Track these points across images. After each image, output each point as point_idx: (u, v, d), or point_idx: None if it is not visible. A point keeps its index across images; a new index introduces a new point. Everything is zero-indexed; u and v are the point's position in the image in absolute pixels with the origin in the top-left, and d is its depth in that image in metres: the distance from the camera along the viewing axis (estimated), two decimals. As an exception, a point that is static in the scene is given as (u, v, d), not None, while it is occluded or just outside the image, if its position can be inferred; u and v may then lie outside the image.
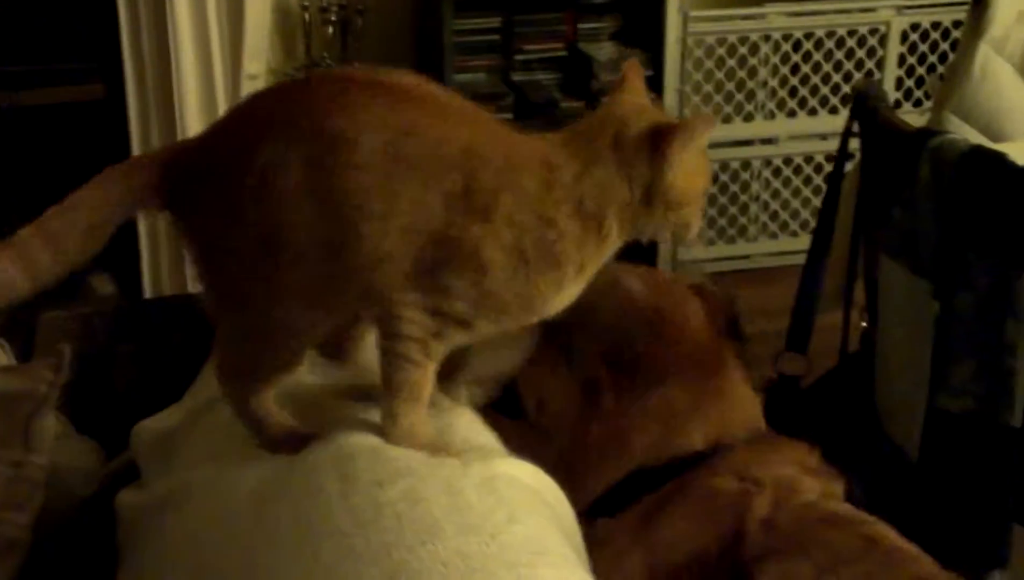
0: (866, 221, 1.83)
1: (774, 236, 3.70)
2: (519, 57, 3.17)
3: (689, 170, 0.98)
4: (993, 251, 1.55)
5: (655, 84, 3.14)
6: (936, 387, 1.63)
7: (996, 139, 2.54)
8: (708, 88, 3.61)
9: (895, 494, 1.71)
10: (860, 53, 3.63)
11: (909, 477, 1.69)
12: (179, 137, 2.71)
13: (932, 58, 3.65)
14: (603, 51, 3.21)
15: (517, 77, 3.16)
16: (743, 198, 3.71)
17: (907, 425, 1.67)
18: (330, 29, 3.09)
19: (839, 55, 3.63)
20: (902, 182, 1.69)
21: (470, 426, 1.15)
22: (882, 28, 3.59)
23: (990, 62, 2.60)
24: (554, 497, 1.11)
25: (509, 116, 3.08)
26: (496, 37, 3.14)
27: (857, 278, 1.88)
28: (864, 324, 1.88)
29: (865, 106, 1.82)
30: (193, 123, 2.72)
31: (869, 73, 3.64)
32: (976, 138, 2.57)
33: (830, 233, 1.87)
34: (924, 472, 1.66)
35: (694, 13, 3.53)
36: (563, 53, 3.20)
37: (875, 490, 1.75)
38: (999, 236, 1.55)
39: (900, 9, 3.56)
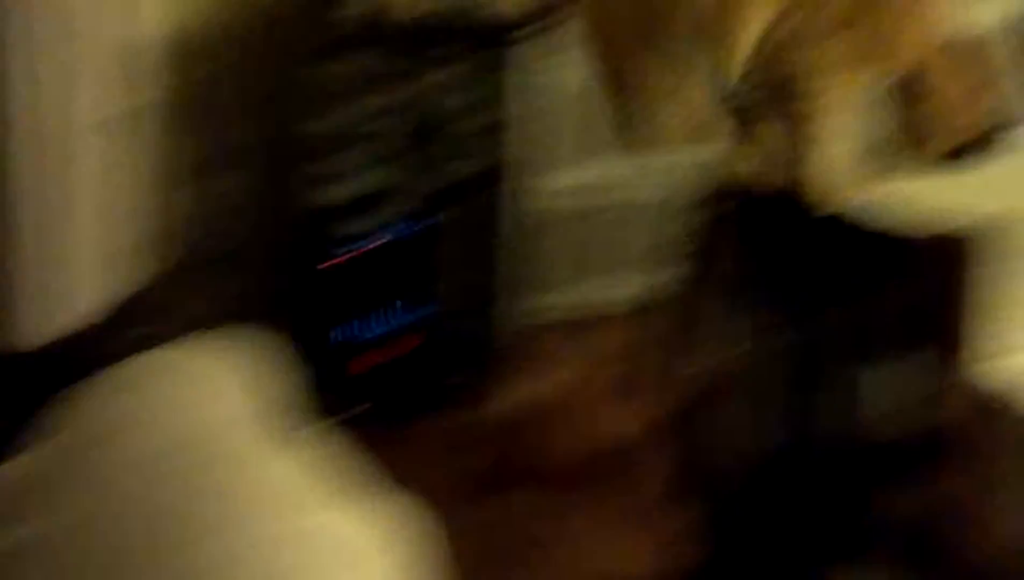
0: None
1: (627, 277, 3.69)
2: (380, 102, 3.17)
3: None
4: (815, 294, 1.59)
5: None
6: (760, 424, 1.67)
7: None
8: (576, 131, 3.65)
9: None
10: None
11: (739, 514, 1.73)
12: None
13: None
14: (461, 96, 3.23)
15: (379, 122, 3.16)
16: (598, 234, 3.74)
17: (735, 461, 1.71)
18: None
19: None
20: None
21: (306, 470, 1.14)
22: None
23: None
24: (378, 548, 1.11)
25: (373, 159, 3.08)
26: (358, 81, 3.13)
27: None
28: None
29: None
30: None
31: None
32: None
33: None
34: (751, 508, 1.70)
35: (552, 60, 3.57)
36: (420, 99, 3.22)
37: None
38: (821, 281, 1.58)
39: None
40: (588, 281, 3.76)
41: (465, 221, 3.20)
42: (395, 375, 3.10)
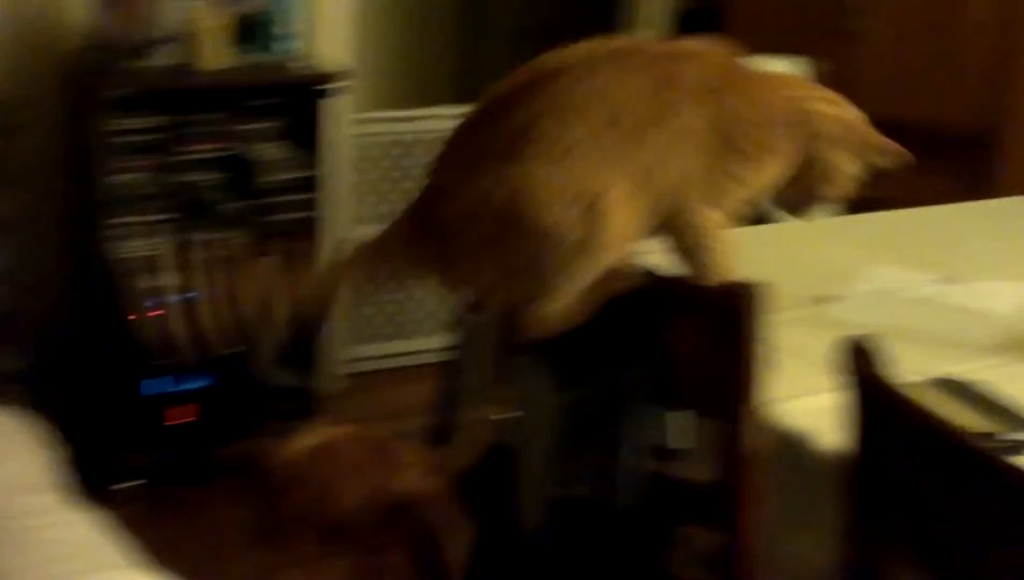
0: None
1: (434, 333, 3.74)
2: (181, 158, 3.14)
3: None
4: (605, 349, 1.65)
5: (318, 184, 3.18)
6: (560, 475, 1.71)
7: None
8: (385, 186, 3.69)
9: None
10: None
11: (544, 563, 1.76)
12: None
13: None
14: (267, 151, 3.23)
15: (179, 178, 3.13)
16: (405, 294, 3.79)
17: (537, 513, 1.74)
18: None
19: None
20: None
21: (96, 531, 1.13)
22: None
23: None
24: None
25: (168, 216, 3.04)
26: (157, 137, 3.10)
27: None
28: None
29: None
30: None
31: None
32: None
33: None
34: (555, 557, 1.74)
35: (362, 116, 3.62)
36: (226, 153, 3.19)
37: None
38: (611, 335, 1.64)
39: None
40: (405, 333, 3.79)
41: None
42: (209, 427, 3.06)
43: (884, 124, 3.64)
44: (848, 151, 1.59)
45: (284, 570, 1.16)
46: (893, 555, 1.28)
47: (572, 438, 1.71)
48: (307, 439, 1.27)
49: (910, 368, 1.67)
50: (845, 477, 1.32)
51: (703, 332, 1.49)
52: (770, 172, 1.55)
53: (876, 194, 3.49)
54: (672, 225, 1.54)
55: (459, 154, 1.57)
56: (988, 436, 1.47)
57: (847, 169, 1.60)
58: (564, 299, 1.53)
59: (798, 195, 1.62)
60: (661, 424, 1.64)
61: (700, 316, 1.48)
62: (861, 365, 1.25)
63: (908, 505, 1.23)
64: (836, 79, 3.72)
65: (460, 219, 1.52)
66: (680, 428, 1.71)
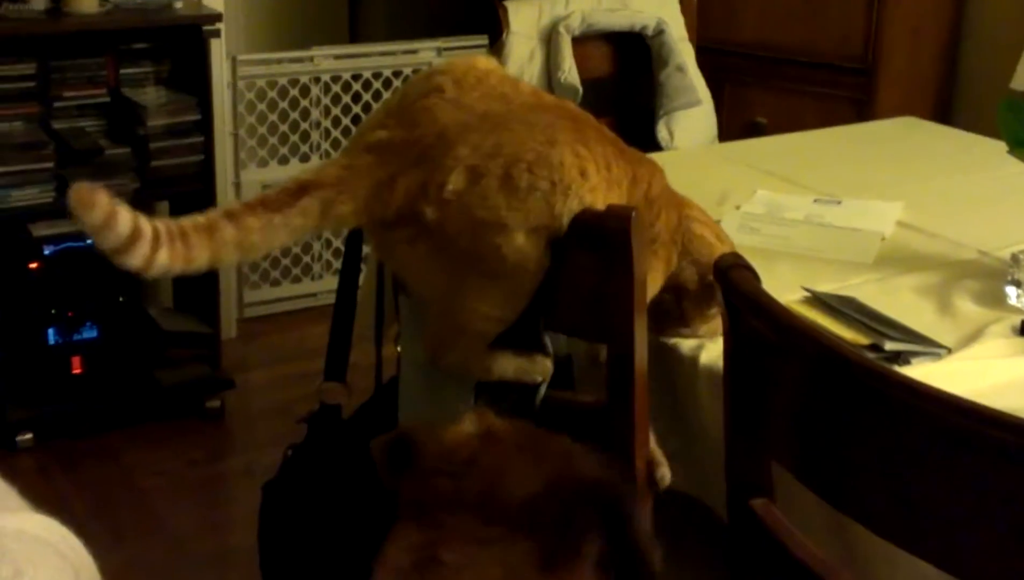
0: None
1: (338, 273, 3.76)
2: (59, 104, 3.06)
3: None
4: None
5: (205, 128, 3.13)
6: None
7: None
8: (262, 131, 3.64)
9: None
10: (408, 93, 3.78)
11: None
12: None
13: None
14: (149, 96, 3.16)
15: (57, 125, 3.05)
16: (307, 238, 3.77)
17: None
18: None
19: (387, 95, 3.76)
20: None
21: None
22: (426, 68, 3.76)
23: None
24: (70, 548, 1.10)
25: (51, 165, 2.97)
26: (31, 84, 3.02)
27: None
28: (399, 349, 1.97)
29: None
30: None
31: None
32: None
33: (357, 268, 1.93)
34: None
35: (242, 57, 3.56)
36: (106, 99, 3.12)
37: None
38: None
39: (440, 50, 3.74)
40: (294, 276, 3.77)
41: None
42: (118, 374, 3.01)
43: (764, 51, 3.71)
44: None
45: (441, 546, 1.18)
46: (771, 469, 1.31)
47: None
48: (468, 426, 1.29)
49: (789, 285, 1.72)
50: (725, 395, 1.35)
51: (589, 259, 1.50)
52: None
53: (758, 120, 3.57)
54: None
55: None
56: (868, 348, 1.52)
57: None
58: None
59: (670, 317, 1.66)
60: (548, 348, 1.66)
61: (585, 243, 1.50)
62: (736, 281, 1.28)
63: (786, 423, 1.26)
64: (717, 7, 3.77)
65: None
66: (566, 352, 1.73)
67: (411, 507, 1.27)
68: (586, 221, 1.50)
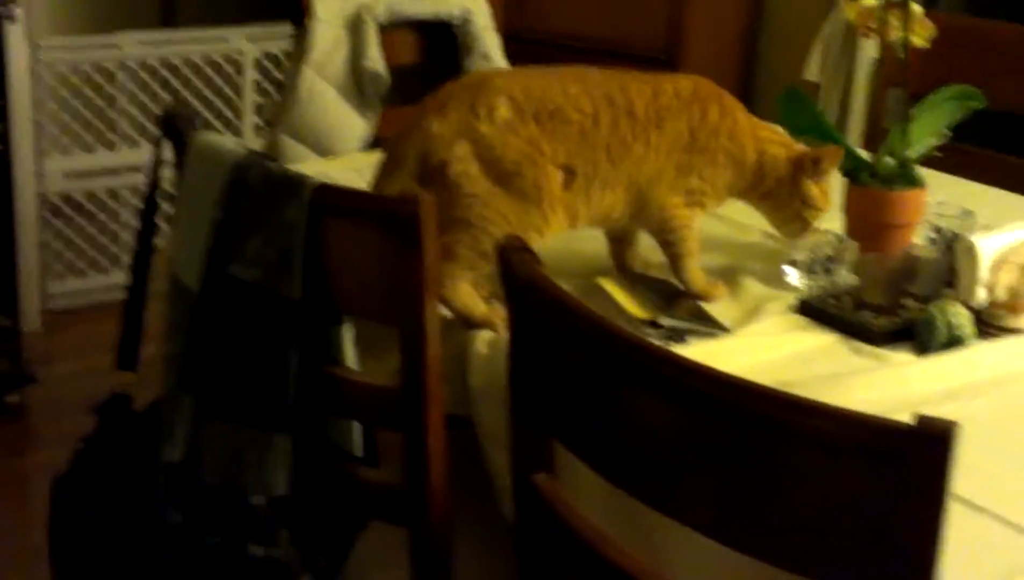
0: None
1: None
2: None
3: None
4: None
5: (1, 116, 3.03)
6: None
7: (325, 155, 2.73)
8: (66, 117, 3.54)
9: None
10: (218, 80, 3.73)
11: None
12: None
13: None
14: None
15: None
16: (113, 227, 3.68)
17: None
18: None
19: (198, 83, 3.71)
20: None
21: None
22: (237, 56, 3.71)
23: (315, 85, 2.78)
24: None
25: None
26: None
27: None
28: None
29: (176, 130, 1.87)
30: None
31: (227, 99, 3.75)
32: (308, 155, 2.75)
33: (149, 255, 1.90)
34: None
35: (44, 43, 3.46)
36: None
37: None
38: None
39: (252, 39, 3.70)
40: (100, 267, 3.67)
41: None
42: None
43: (569, 41, 3.77)
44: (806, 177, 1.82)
45: None
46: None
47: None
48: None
49: (582, 263, 1.77)
50: (508, 375, 1.37)
51: (370, 240, 1.52)
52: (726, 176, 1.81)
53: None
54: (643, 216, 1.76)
55: None
56: (646, 324, 1.57)
57: (811, 192, 1.82)
58: None
59: (790, 222, 1.84)
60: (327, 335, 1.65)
61: (366, 224, 1.51)
62: (516, 265, 1.30)
63: (564, 401, 1.29)
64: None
65: None
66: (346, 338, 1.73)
67: None
68: (384, 204, 1.52)
